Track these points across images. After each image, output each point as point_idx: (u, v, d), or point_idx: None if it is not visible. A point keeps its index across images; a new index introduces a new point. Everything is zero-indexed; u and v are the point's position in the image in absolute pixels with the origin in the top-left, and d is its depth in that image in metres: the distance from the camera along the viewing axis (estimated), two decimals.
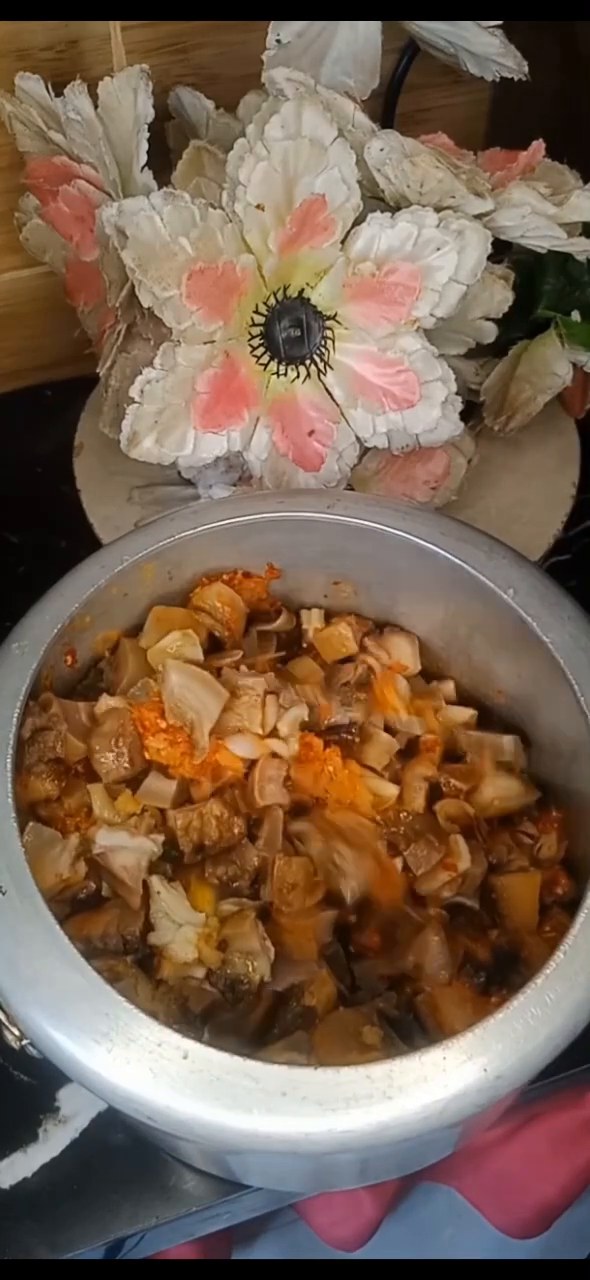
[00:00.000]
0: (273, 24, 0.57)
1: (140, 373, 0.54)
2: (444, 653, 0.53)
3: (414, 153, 0.53)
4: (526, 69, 0.61)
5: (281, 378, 0.58)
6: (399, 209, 0.54)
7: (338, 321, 0.56)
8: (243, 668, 0.51)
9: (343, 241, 0.54)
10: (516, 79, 0.61)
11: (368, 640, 0.53)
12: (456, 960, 0.43)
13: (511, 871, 0.46)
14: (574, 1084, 0.54)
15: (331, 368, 0.57)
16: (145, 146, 0.57)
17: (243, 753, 0.48)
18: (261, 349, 0.57)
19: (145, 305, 0.54)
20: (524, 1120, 0.56)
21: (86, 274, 0.62)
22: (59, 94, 0.58)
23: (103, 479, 0.69)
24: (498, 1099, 0.35)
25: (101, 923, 0.44)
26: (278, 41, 0.57)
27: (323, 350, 0.57)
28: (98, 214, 0.54)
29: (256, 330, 0.56)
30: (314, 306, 0.56)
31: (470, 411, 0.63)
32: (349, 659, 0.53)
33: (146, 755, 0.47)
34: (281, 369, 0.57)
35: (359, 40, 0.59)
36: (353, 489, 0.61)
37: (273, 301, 0.56)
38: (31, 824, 0.44)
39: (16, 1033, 0.39)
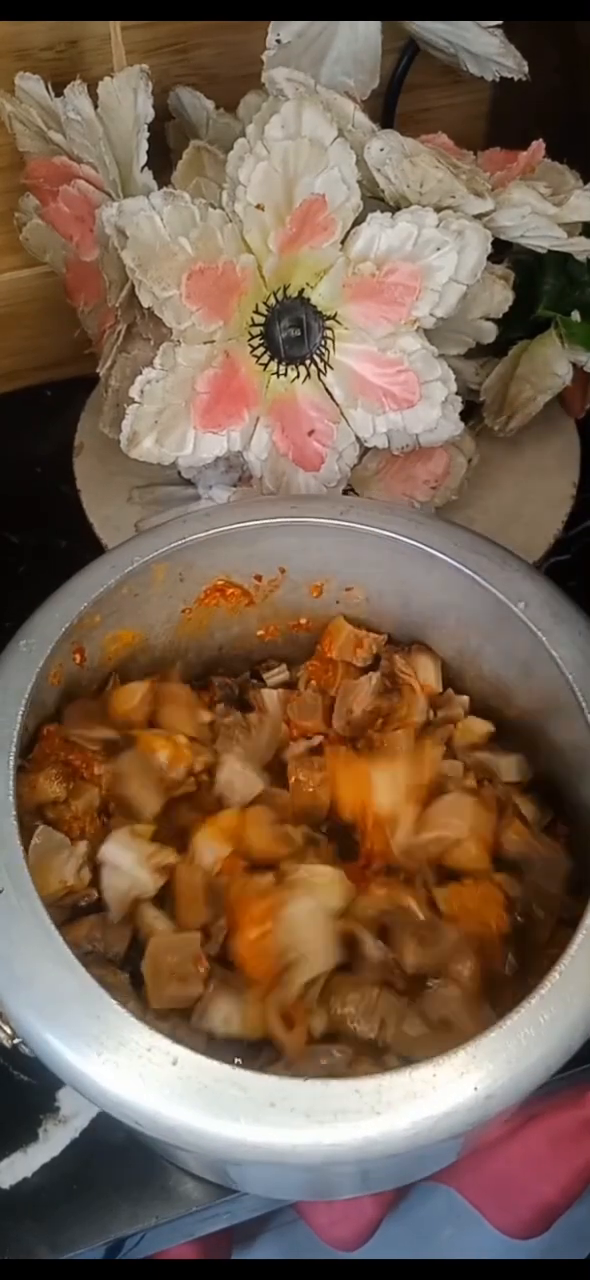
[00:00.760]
0: (273, 24, 0.57)
1: (140, 373, 0.54)
2: (455, 663, 0.53)
3: (414, 153, 0.53)
4: (526, 69, 0.61)
5: (281, 378, 0.58)
6: (399, 209, 0.54)
7: (338, 321, 0.56)
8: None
9: (343, 241, 0.54)
10: (516, 79, 0.61)
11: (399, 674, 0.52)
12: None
13: None
14: (574, 1084, 0.54)
15: (331, 368, 0.57)
16: (145, 146, 0.57)
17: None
18: (261, 349, 0.57)
19: (145, 305, 0.54)
20: (524, 1120, 0.56)
21: (86, 274, 0.62)
22: (59, 94, 0.58)
23: (103, 479, 0.69)
24: (488, 1119, 0.35)
25: (86, 925, 0.44)
26: (278, 41, 0.57)
27: (323, 350, 0.57)
28: (98, 214, 0.54)
29: (256, 330, 0.56)
30: (314, 306, 0.56)
31: (470, 411, 0.63)
32: None
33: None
34: (281, 369, 0.57)
35: (359, 40, 0.59)
36: (352, 489, 0.61)
37: (273, 301, 0.56)
38: (41, 826, 0.44)
39: (8, 1031, 0.39)
